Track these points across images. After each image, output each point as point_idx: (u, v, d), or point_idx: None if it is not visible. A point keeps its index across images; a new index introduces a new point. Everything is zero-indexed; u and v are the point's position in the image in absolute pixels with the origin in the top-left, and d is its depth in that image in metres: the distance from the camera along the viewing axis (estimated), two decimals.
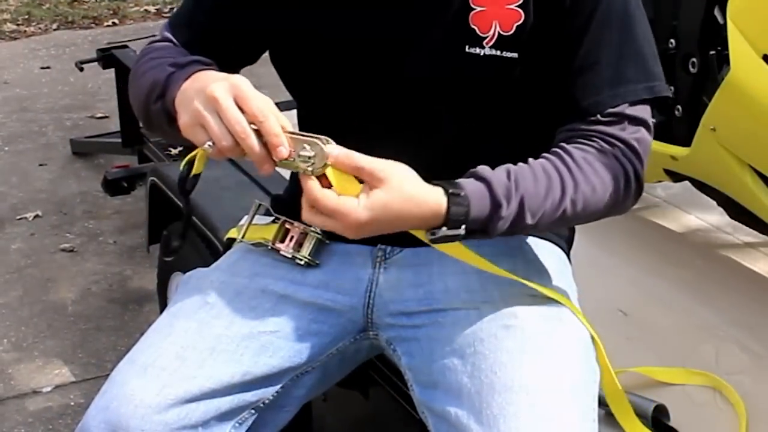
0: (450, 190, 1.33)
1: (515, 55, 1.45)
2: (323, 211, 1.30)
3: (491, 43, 1.44)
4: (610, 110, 1.45)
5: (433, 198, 1.32)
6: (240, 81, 1.32)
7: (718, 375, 1.79)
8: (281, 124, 1.31)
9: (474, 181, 1.37)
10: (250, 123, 1.31)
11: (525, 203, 1.37)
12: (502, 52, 1.44)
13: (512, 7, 1.44)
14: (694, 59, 2.13)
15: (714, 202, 2.33)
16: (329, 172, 1.29)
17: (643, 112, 1.47)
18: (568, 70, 1.45)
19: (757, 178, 2.01)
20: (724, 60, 2.01)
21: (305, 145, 1.29)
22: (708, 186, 2.26)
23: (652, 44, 1.48)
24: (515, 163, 1.42)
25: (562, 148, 1.44)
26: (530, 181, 1.39)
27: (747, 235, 2.36)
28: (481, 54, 1.44)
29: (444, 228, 1.33)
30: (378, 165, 1.30)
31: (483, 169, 1.38)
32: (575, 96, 1.45)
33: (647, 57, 1.47)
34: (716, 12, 2.06)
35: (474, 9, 1.44)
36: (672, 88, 2.22)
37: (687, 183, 2.36)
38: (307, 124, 1.63)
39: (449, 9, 1.44)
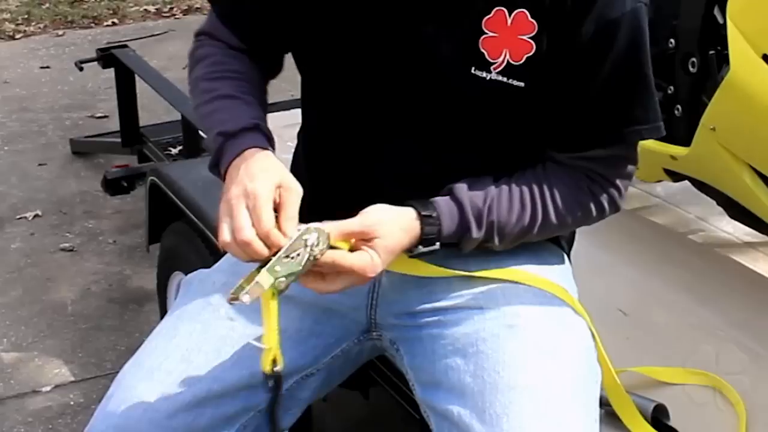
0: (423, 213, 1.42)
1: (522, 84, 1.44)
2: (343, 270, 1.34)
3: (498, 69, 1.44)
4: (608, 150, 1.48)
5: (411, 224, 1.42)
6: (258, 190, 1.33)
7: (718, 375, 1.79)
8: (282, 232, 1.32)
9: (449, 200, 1.45)
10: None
11: (494, 229, 1.47)
12: (508, 80, 1.44)
13: (525, 38, 1.43)
14: (693, 59, 2.13)
15: (714, 202, 2.33)
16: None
17: (636, 149, 1.53)
18: (577, 107, 1.46)
19: (756, 177, 2.01)
20: (723, 60, 2.01)
21: (304, 236, 1.31)
22: (708, 186, 2.26)
23: (653, 82, 1.49)
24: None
25: (546, 179, 1.49)
26: (505, 209, 1.47)
27: (747, 235, 2.36)
28: (487, 78, 1.44)
29: (420, 246, 1.43)
30: (365, 221, 1.37)
31: (460, 190, 1.46)
32: (580, 132, 1.47)
33: (653, 96, 1.48)
34: (716, 12, 2.06)
35: (486, 33, 1.43)
36: (672, 87, 2.22)
37: (687, 183, 2.36)
38: (314, 131, 1.63)
39: (461, 29, 1.44)
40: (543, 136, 1.50)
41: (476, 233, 1.45)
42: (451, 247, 1.47)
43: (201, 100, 1.54)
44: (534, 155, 1.52)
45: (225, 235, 1.33)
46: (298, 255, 1.30)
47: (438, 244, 1.44)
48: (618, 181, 1.52)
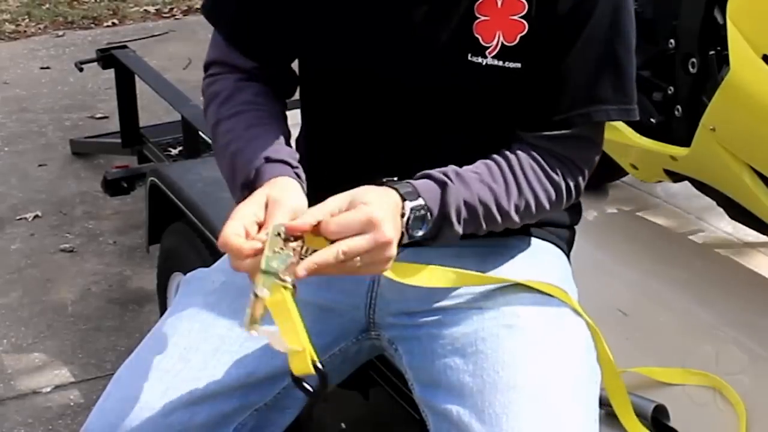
0: (385, 180, 1.36)
1: (518, 65, 1.44)
2: (346, 223, 1.28)
3: (494, 53, 1.44)
4: (573, 130, 1.47)
5: (383, 190, 1.34)
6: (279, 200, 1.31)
7: (718, 375, 1.79)
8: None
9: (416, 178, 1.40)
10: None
11: (469, 183, 1.40)
12: (504, 62, 1.44)
13: (516, 18, 1.43)
14: (693, 59, 2.13)
15: (714, 202, 2.33)
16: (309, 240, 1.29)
17: (602, 132, 1.51)
18: (548, 81, 1.45)
19: (756, 178, 2.02)
20: (723, 60, 2.01)
21: (277, 230, 1.27)
22: (708, 186, 2.26)
23: (633, 65, 1.48)
24: None
25: (511, 154, 1.46)
26: (471, 173, 1.42)
27: (747, 235, 2.36)
28: (483, 63, 1.44)
29: (406, 203, 1.34)
30: (340, 197, 1.30)
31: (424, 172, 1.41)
32: (547, 108, 1.46)
33: (627, 78, 1.47)
34: (716, 12, 2.06)
35: (478, 18, 1.44)
36: (672, 87, 2.22)
37: (687, 183, 2.36)
38: (311, 126, 1.63)
39: (454, 17, 1.44)
40: (514, 115, 1.49)
41: (453, 187, 1.38)
42: (441, 226, 1.39)
43: (228, 138, 1.50)
44: None
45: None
46: (282, 249, 1.26)
47: (421, 200, 1.35)
48: (582, 166, 1.50)
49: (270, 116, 1.52)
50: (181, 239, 2.55)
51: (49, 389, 2.88)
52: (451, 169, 1.42)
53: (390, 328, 1.56)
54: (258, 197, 1.32)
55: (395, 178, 1.37)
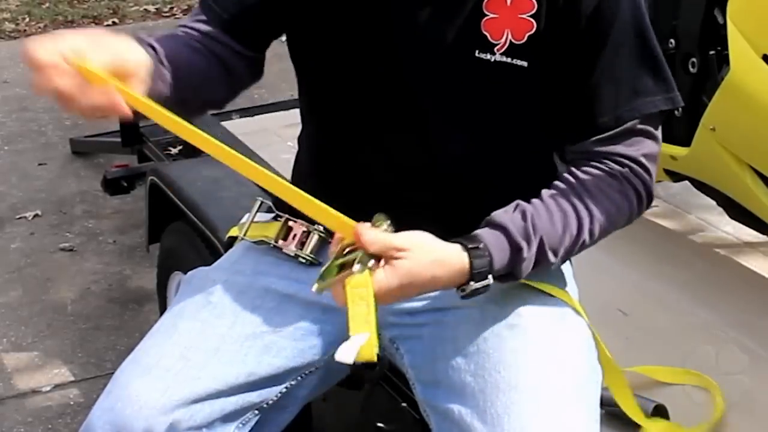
0: (469, 246, 1.35)
1: (525, 63, 1.44)
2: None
3: (502, 50, 1.44)
4: (626, 126, 1.45)
5: (455, 257, 1.34)
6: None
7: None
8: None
9: (490, 230, 1.39)
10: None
11: (545, 242, 1.40)
12: (512, 60, 1.44)
13: (525, 16, 1.43)
14: (694, 59, 2.13)
15: (714, 202, 2.33)
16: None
17: (654, 124, 1.49)
18: (586, 85, 1.45)
19: (756, 178, 2.02)
20: (724, 60, 2.01)
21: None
22: (708, 186, 2.26)
23: (661, 54, 1.48)
24: (526, 183, 1.45)
25: (572, 175, 1.45)
26: (546, 219, 1.41)
27: (747, 235, 2.36)
28: (492, 60, 1.44)
29: (472, 282, 1.35)
30: (398, 239, 1.30)
31: (498, 216, 1.40)
32: (593, 111, 1.45)
33: (663, 67, 1.48)
34: (716, 12, 2.06)
35: (487, 15, 1.44)
36: None
37: (687, 183, 2.36)
38: (313, 126, 1.63)
39: (462, 13, 1.44)
40: (556, 124, 1.49)
41: (527, 252, 1.38)
42: (506, 279, 1.40)
43: None
44: (551, 149, 1.51)
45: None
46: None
47: (491, 277, 1.36)
48: (644, 160, 1.47)
49: (193, 49, 1.50)
50: (181, 238, 2.54)
51: (48, 388, 2.88)
52: (527, 224, 1.39)
53: (391, 327, 1.56)
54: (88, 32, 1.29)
55: (476, 244, 1.35)
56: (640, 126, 1.47)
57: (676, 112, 2.20)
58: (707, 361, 1.85)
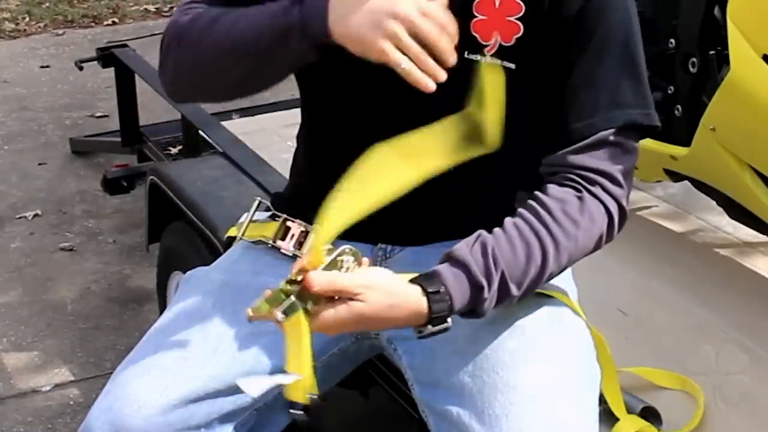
0: (429, 290, 1.32)
1: (513, 65, 1.44)
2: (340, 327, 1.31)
3: (492, 52, 1.44)
4: (600, 135, 1.43)
5: (413, 301, 1.32)
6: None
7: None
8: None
9: (450, 267, 1.36)
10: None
11: (507, 277, 1.37)
12: (502, 61, 1.44)
13: (512, 19, 1.43)
14: (694, 59, 2.13)
15: (714, 202, 2.33)
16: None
17: (632, 137, 1.46)
18: (565, 89, 1.44)
19: (756, 178, 2.01)
20: (724, 60, 2.01)
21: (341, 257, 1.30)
22: (708, 186, 2.25)
23: (645, 70, 1.47)
24: (518, 182, 1.45)
25: (538, 201, 1.42)
26: (508, 252, 1.37)
27: (747, 235, 2.36)
28: (482, 61, 1.44)
29: (429, 326, 1.34)
30: (352, 281, 1.29)
31: (459, 251, 1.37)
32: (568, 117, 1.44)
33: (644, 82, 1.46)
34: (716, 12, 2.05)
35: (476, 17, 1.44)
36: (672, 87, 2.22)
37: (687, 183, 2.36)
38: (311, 124, 1.63)
39: (453, 14, 1.43)
40: (538, 129, 1.48)
41: (487, 292, 1.35)
42: (468, 317, 1.38)
43: (226, 22, 1.43)
44: (526, 141, 1.49)
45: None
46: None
47: (450, 320, 1.34)
48: (619, 176, 1.44)
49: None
50: (181, 238, 2.54)
51: (48, 388, 2.88)
52: (488, 259, 1.36)
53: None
54: None
55: (437, 288, 1.33)
56: (615, 138, 1.44)
57: (676, 112, 2.20)
58: (707, 361, 1.85)
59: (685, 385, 1.78)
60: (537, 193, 1.43)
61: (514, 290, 1.38)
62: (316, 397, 1.27)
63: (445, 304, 1.33)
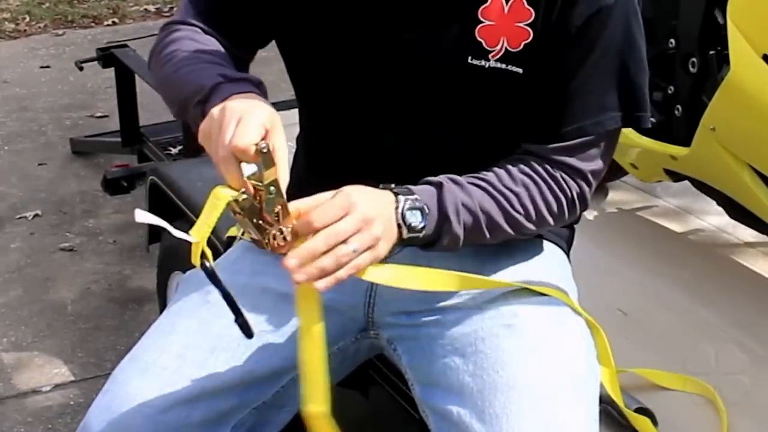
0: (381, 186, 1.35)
1: (520, 70, 1.44)
2: (332, 214, 1.28)
3: (497, 57, 1.44)
4: (586, 138, 1.45)
5: (379, 191, 1.34)
6: (253, 112, 1.30)
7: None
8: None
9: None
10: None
11: (474, 197, 1.39)
12: (507, 66, 1.44)
13: (522, 25, 1.43)
14: (694, 59, 2.13)
15: (714, 202, 2.33)
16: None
17: (612, 141, 1.48)
18: (561, 94, 1.44)
19: (756, 178, 2.02)
20: (724, 60, 2.01)
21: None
22: (708, 186, 2.26)
23: (646, 73, 1.48)
24: None
25: (506, 169, 1.44)
26: (473, 185, 1.41)
27: (747, 235, 2.36)
28: (486, 66, 1.44)
29: (399, 196, 1.33)
30: (326, 193, 1.30)
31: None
32: (560, 120, 1.45)
33: (639, 87, 1.47)
34: (716, 12, 2.06)
35: (482, 22, 1.44)
36: (672, 87, 2.22)
37: (687, 183, 2.36)
38: (310, 128, 1.63)
39: (456, 20, 1.44)
40: (520, 125, 1.49)
41: (448, 190, 1.37)
42: (440, 229, 1.38)
43: (186, 64, 1.47)
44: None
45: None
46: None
47: (416, 197, 1.34)
48: (590, 176, 1.48)
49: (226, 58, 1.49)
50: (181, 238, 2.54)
51: (48, 388, 2.88)
52: (447, 176, 1.41)
53: (389, 327, 1.56)
54: (266, 111, 1.31)
55: (392, 185, 1.36)
56: (599, 141, 1.46)
57: (676, 112, 2.20)
58: (707, 361, 1.85)
59: (686, 385, 1.78)
60: (507, 165, 1.45)
61: (477, 207, 1.39)
62: (208, 264, 1.31)
63: (405, 189, 1.34)
